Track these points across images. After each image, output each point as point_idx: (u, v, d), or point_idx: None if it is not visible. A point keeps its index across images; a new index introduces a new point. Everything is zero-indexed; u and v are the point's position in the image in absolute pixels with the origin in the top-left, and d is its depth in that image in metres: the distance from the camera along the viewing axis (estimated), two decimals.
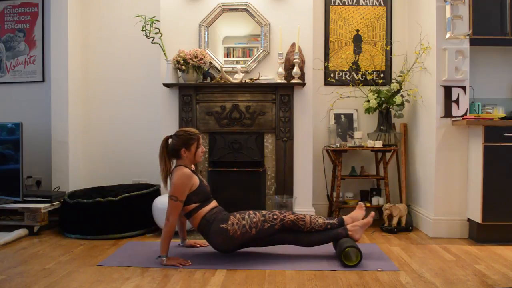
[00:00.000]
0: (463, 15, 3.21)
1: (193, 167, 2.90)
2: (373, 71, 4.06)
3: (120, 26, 4.13)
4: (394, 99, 3.68)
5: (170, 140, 2.83)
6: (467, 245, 3.11)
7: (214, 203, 2.85)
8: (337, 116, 4.06)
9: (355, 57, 4.10)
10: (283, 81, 3.61)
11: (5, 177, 3.60)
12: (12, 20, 4.27)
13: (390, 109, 3.79)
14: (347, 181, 4.01)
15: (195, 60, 3.50)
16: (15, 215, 3.49)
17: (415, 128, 3.79)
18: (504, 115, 3.39)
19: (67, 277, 2.46)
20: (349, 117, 4.07)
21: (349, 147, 3.74)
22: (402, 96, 3.72)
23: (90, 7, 4.18)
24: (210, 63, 3.73)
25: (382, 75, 4.09)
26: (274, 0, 3.73)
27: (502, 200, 3.09)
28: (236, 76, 3.64)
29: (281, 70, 3.60)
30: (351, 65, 4.10)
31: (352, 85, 4.04)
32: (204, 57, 3.54)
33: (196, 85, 3.63)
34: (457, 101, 3.32)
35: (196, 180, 2.76)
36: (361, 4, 4.10)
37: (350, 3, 4.10)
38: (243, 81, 3.61)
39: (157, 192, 3.62)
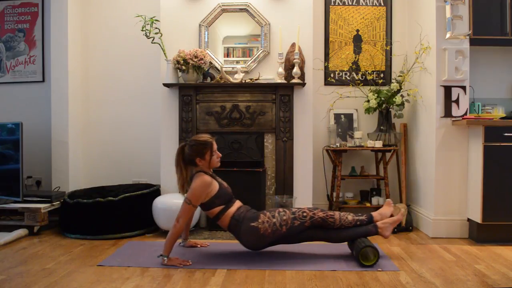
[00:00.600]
0: (463, 15, 3.21)
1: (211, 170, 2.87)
2: (373, 71, 4.06)
3: (120, 26, 4.13)
4: (394, 99, 3.68)
5: (185, 148, 2.79)
6: (467, 245, 3.11)
7: (238, 203, 2.86)
8: (337, 116, 4.06)
9: (355, 57, 4.10)
10: (283, 81, 3.61)
11: (5, 177, 3.60)
12: (12, 20, 4.27)
13: (390, 109, 3.79)
14: (347, 181, 4.01)
15: (195, 60, 3.50)
16: (15, 215, 3.49)
17: (415, 128, 3.79)
18: (504, 115, 3.39)
19: (67, 277, 2.46)
20: (349, 117, 4.07)
21: (349, 147, 3.74)
22: (402, 96, 3.72)
23: (90, 7, 4.18)
24: (210, 63, 3.73)
25: (382, 75, 4.08)
26: (274, 0, 3.73)
27: (502, 200, 3.09)
28: (236, 76, 3.64)
29: (281, 70, 3.60)
30: (351, 65, 4.10)
31: (352, 85, 4.04)
32: (204, 57, 3.54)
33: (196, 85, 3.63)
34: (457, 101, 3.32)
35: (215, 185, 2.75)
36: (361, 4, 4.09)
37: (350, 3, 4.10)
38: (243, 81, 3.61)
39: (157, 192, 3.63)
